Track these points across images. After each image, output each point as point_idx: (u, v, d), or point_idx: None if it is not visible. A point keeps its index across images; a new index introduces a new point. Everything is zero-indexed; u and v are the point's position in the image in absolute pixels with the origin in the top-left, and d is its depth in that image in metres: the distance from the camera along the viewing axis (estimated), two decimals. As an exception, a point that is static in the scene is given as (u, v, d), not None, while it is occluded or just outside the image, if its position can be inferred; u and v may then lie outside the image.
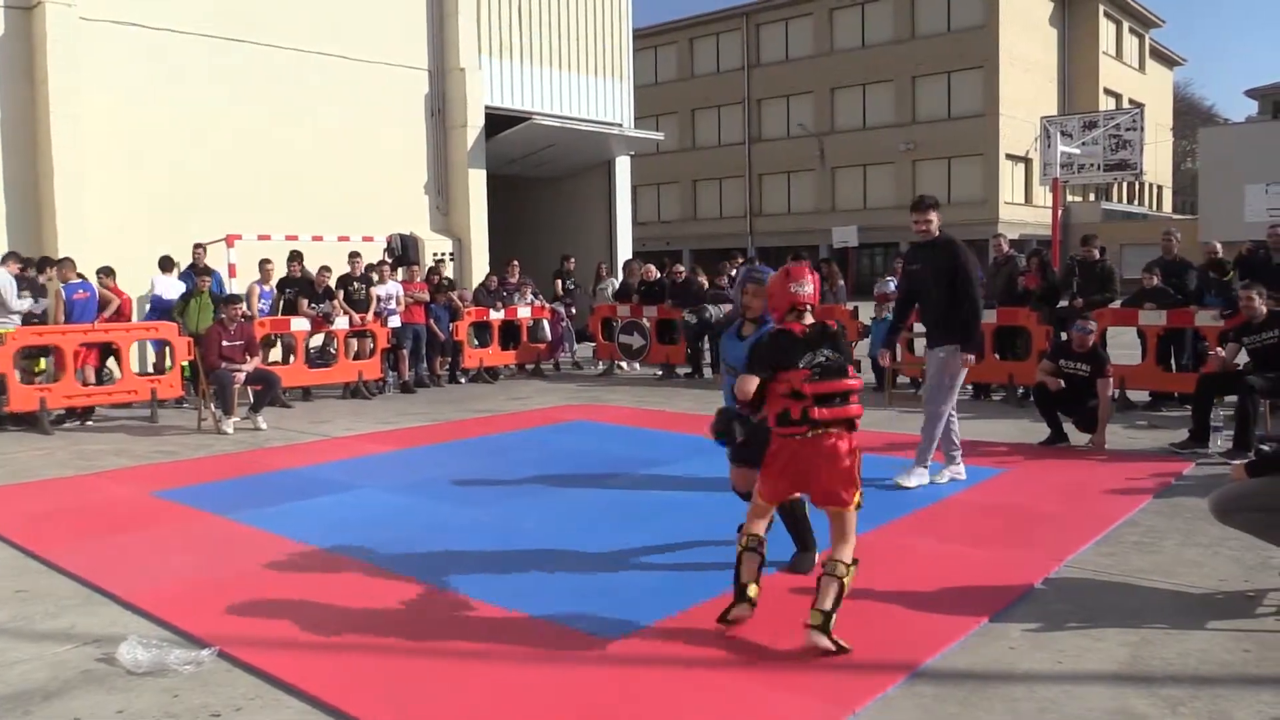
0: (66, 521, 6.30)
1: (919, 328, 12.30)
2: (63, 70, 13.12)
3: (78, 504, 6.81)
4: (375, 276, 13.15)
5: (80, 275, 11.19)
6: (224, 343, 10.08)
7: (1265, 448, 7.09)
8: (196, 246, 12.87)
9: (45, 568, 5.28)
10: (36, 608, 4.65)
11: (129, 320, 11.86)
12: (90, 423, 10.70)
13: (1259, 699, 3.46)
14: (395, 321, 13.05)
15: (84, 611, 4.59)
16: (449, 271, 16.17)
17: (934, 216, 6.80)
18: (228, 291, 12.57)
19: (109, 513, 6.53)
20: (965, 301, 6.74)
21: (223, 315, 10.31)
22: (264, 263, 12.81)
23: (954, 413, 7.10)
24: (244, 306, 10.68)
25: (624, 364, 15.30)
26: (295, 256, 12.96)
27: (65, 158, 13.15)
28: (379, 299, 12.94)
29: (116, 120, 13.72)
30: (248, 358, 10.22)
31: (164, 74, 14.18)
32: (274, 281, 12.65)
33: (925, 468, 6.95)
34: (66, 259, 11.27)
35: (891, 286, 13.28)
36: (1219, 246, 11.56)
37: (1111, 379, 8.51)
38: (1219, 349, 8.63)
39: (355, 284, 12.87)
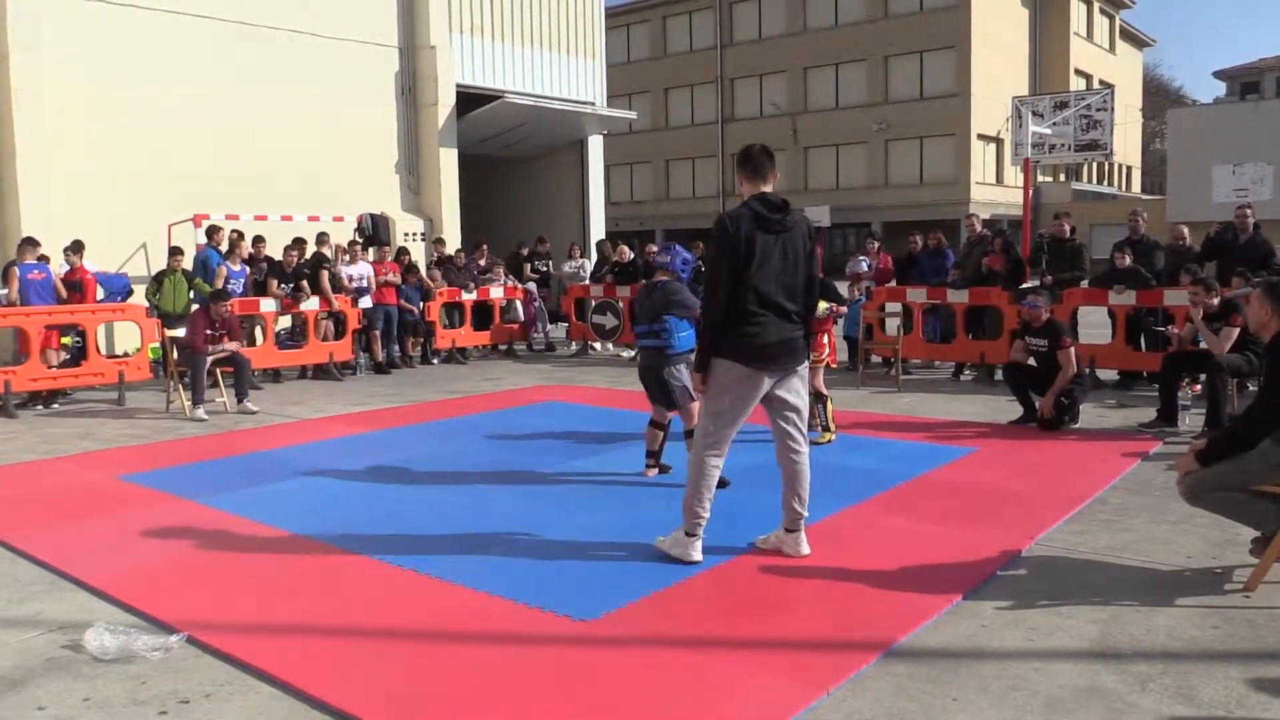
0: (32, 506, 6.20)
1: (891, 307, 12.41)
2: (25, 46, 12.83)
3: (43, 488, 6.71)
4: (346, 256, 13.05)
5: (42, 256, 10.98)
6: (207, 331, 9.94)
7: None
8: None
9: (10, 553, 5.19)
10: (0, 594, 4.58)
11: (91, 301, 11.65)
12: (56, 405, 10.55)
13: (1226, 675, 3.50)
14: (366, 302, 12.93)
15: (50, 598, 4.52)
16: (419, 252, 16.02)
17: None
18: (198, 268, 12.38)
19: (75, 497, 6.43)
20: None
21: (210, 306, 10.15)
22: (236, 238, 12.58)
23: (716, 455, 4.78)
24: (229, 306, 10.48)
25: (597, 345, 15.26)
26: (259, 239, 12.86)
27: (27, 136, 12.88)
28: (350, 278, 12.81)
29: (81, 98, 13.43)
30: (226, 339, 10.09)
31: (129, 50, 13.88)
32: (242, 257, 12.44)
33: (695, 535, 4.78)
34: (27, 239, 11.06)
35: (864, 266, 13.34)
36: (1186, 231, 11.61)
37: (1071, 349, 8.21)
38: (1171, 328, 8.75)
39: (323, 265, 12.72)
